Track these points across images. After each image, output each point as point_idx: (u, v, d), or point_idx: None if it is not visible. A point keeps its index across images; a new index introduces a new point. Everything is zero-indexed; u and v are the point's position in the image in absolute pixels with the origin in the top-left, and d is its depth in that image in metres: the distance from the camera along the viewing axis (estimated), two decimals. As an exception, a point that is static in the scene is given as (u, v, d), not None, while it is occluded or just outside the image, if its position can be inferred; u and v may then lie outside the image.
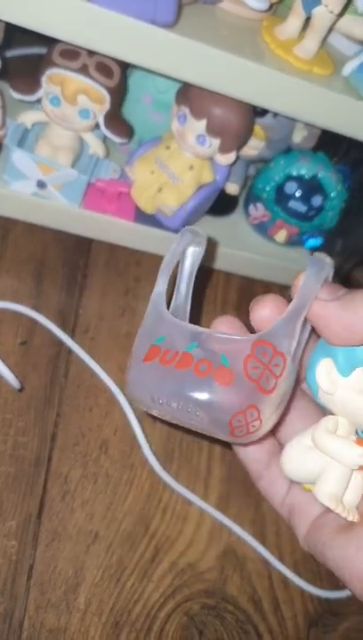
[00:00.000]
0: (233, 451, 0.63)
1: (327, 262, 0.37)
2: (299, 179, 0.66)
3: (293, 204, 0.67)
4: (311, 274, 0.35)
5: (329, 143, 0.69)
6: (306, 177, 0.65)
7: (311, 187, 0.66)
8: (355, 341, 0.33)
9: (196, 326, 0.36)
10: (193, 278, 0.41)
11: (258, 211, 0.69)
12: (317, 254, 0.59)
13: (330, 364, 0.34)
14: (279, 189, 0.67)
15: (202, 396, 0.33)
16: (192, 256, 0.41)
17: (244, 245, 0.70)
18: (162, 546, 0.57)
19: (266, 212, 0.68)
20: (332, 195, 0.66)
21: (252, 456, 0.39)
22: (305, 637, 0.57)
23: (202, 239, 0.40)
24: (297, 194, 0.66)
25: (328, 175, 0.65)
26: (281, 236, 0.70)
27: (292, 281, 0.74)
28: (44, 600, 0.52)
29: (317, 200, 0.66)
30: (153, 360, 0.36)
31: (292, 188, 0.66)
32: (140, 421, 0.62)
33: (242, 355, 0.34)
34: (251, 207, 0.70)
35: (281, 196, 0.67)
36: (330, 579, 0.61)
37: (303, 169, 0.65)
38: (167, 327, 0.36)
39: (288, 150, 0.67)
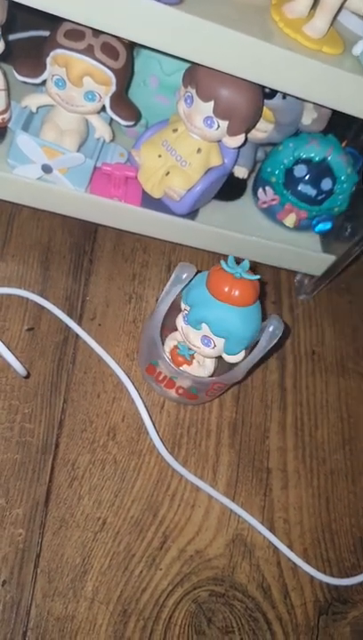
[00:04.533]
0: (241, 436, 0.63)
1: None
2: (308, 162, 0.65)
3: (302, 187, 0.66)
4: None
5: (339, 126, 0.68)
6: (316, 160, 0.64)
7: (321, 170, 0.65)
8: None
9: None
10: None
11: (267, 195, 0.68)
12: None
13: None
14: (289, 173, 0.66)
15: (181, 400, 0.64)
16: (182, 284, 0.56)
17: (252, 230, 0.69)
18: (170, 533, 0.57)
19: (275, 195, 0.67)
20: (342, 178, 0.65)
21: None
22: (315, 625, 0.57)
23: (192, 270, 0.56)
24: (307, 177, 0.65)
25: (338, 158, 0.64)
26: (290, 220, 0.69)
27: (300, 265, 0.74)
28: (51, 588, 0.51)
29: (327, 183, 0.65)
30: (151, 375, 0.62)
31: (301, 172, 0.65)
32: (147, 407, 0.62)
33: (204, 388, 0.60)
34: (260, 191, 0.69)
35: (291, 180, 0.66)
36: (339, 566, 0.61)
37: (313, 152, 0.64)
38: (160, 355, 0.59)
39: (298, 133, 0.66)
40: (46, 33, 0.58)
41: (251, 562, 0.58)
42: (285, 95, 0.61)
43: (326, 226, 0.68)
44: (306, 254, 0.71)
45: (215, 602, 0.55)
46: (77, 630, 0.51)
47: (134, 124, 0.64)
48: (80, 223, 0.69)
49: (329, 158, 0.64)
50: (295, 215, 0.68)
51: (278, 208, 0.69)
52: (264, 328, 0.56)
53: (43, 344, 0.62)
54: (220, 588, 0.56)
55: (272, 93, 0.60)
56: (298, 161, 0.65)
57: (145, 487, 0.58)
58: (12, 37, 0.69)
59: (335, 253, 0.71)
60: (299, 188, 0.66)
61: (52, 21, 0.52)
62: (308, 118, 0.64)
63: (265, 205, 0.69)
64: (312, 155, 0.64)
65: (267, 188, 0.68)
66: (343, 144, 0.71)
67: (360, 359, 0.76)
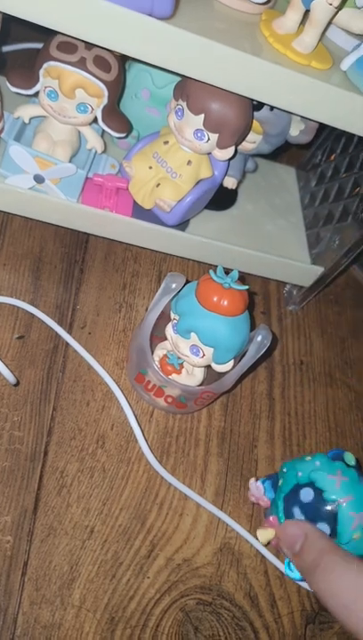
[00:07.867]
0: (230, 445, 0.63)
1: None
2: (320, 493, 0.52)
3: (296, 511, 0.54)
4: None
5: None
6: (328, 498, 0.51)
7: (327, 512, 0.52)
8: None
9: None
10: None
11: (258, 490, 0.59)
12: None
13: None
14: (296, 488, 0.55)
15: (170, 409, 0.64)
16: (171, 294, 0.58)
17: (242, 241, 0.70)
18: (158, 541, 0.57)
19: (266, 498, 0.58)
20: (343, 535, 0.51)
21: None
22: (302, 634, 0.57)
23: (181, 280, 0.57)
24: (306, 506, 0.53)
25: (351, 514, 0.51)
26: (264, 535, 0.56)
27: (290, 277, 0.74)
28: (38, 596, 0.51)
29: (323, 527, 0.52)
30: (140, 384, 0.63)
31: (307, 496, 0.53)
32: (136, 416, 0.62)
33: (193, 397, 0.61)
34: (252, 481, 0.59)
35: (292, 496, 0.55)
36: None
37: (329, 487, 0.52)
38: (149, 364, 0.59)
39: (338, 458, 0.55)
40: (39, 45, 0.59)
41: (238, 570, 0.58)
42: (272, 107, 0.61)
43: (297, 575, 0.53)
44: (295, 266, 0.72)
45: (203, 610, 0.55)
46: (64, 638, 0.50)
47: (126, 136, 0.64)
48: (71, 233, 0.70)
49: (342, 506, 0.51)
50: (273, 534, 0.56)
51: (266, 513, 0.59)
52: (253, 338, 0.56)
53: (33, 352, 0.62)
54: (207, 597, 0.56)
55: (260, 105, 0.61)
56: (311, 484, 0.53)
57: (133, 495, 0.59)
58: (5, 49, 0.70)
59: (324, 265, 0.72)
60: (292, 509, 0.54)
61: (45, 34, 0.53)
62: (295, 130, 0.64)
63: (253, 499, 0.60)
64: (327, 489, 0.52)
65: (265, 483, 0.59)
66: (332, 157, 0.72)
67: (348, 370, 0.77)
